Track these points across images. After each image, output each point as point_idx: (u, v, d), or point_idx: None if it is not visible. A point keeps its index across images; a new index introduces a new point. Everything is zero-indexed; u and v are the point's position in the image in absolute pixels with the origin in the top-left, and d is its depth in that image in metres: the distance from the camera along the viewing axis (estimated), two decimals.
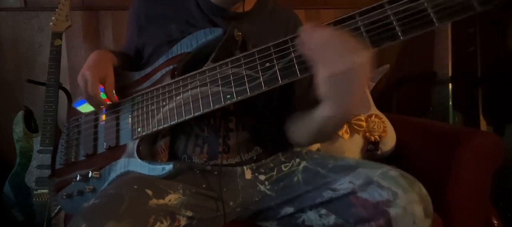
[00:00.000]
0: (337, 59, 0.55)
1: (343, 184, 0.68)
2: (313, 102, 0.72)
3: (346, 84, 0.56)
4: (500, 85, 1.66)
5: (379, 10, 0.57)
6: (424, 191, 0.64)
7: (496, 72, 1.68)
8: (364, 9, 0.58)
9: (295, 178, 0.77)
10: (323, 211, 0.70)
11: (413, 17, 0.53)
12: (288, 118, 0.82)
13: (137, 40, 0.87)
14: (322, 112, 0.63)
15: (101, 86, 0.76)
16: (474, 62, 1.63)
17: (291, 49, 0.61)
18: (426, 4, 0.52)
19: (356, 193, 0.65)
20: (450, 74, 1.64)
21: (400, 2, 0.54)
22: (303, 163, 0.80)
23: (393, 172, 0.65)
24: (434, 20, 0.52)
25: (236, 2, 0.79)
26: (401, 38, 0.56)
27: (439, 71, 1.71)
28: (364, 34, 0.58)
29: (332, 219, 0.69)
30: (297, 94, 0.83)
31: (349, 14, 0.59)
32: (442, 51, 1.68)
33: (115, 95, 0.79)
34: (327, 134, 0.75)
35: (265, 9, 0.87)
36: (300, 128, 0.76)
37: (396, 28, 0.56)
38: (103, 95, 0.77)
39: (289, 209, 0.75)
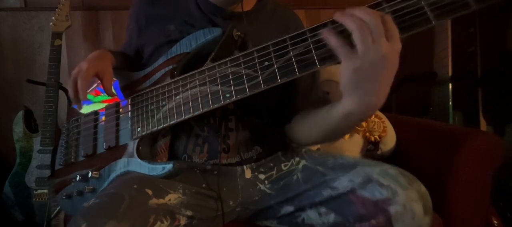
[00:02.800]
0: (370, 45, 0.51)
1: (343, 183, 0.68)
2: (317, 102, 0.73)
3: (376, 74, 0.53)
4: (500, 85, 1.66)
5: (376, 9, 0.56)
6: (423, 188, 0.63)
7: (496, 72, 1.68)
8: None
9: (295, 177, 0.77)
10: (323, 209, 0.70)
11: (410, 15, 0.53)
12: (292, 117, 0.82)
13: (137, 40, 0.88)
14: (341, 109, 0.61)
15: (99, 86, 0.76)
16: (474, 62, 1.63)
17: (290, 48, 0.61)
18: (423, 2, 0.52)
19: (355, 191, 0.65)
20: (450, 74, 1.64)
21: (397, 1, 0.54)
22: (303, 162, 0.80)
23: (393, 170, 0.65)
24: (431, 18, 0.52)
25: (235, 2, 0.79)
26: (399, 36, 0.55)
27: (439, 71, 1.71)
28: None
29: (332, 217, 0.69)
30: (300, 94, 0.83)
31: None
32: (442, 51, 1.68)
33: (114, 92, 0.79)
34: (340, 133, 0.73)
35: (265, 9, 0.87)
36: (311, 127, 0.75)
37: None
38: (101, 97, 0.76)
39: (289, 208, 0.75)
